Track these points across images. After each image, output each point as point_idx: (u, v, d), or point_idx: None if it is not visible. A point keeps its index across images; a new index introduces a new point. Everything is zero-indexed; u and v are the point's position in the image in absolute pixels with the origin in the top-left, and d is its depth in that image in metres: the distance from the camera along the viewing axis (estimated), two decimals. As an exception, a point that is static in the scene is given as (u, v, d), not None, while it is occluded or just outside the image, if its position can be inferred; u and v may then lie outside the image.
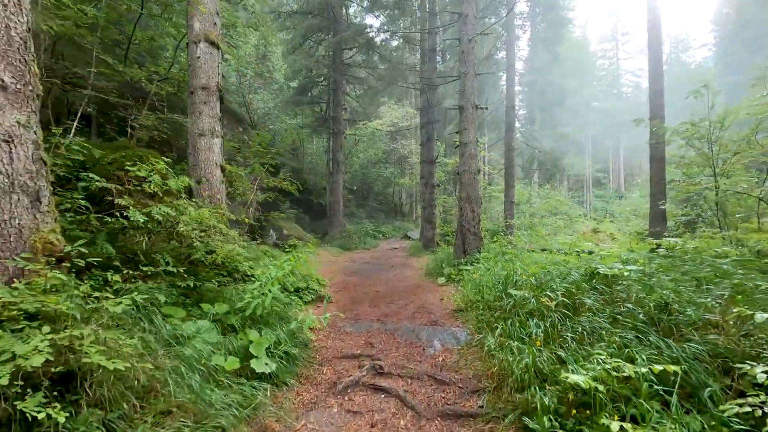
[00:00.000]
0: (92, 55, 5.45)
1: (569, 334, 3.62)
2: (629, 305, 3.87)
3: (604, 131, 42.10)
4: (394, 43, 18.87)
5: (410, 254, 14.76)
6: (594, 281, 4.61)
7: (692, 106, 8.65)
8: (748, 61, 37.52)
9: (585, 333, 3.62)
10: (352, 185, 25.90)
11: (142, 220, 3.80)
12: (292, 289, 5.85)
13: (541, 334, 3.78)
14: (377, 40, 17.07)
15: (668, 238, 6.47)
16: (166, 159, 4.76)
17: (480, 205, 8.60)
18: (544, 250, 13.53)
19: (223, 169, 6.23)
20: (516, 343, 3.74)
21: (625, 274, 4.35)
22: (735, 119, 7.93)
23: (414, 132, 29.39)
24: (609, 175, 46.16)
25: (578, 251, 11.27)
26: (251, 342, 3.70)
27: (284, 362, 3.82)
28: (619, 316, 3.76)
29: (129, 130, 6.04)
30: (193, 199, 5.23)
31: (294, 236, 15.05)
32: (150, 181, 4.27)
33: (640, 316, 3.62)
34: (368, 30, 17.56)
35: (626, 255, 6.01)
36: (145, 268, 3.73)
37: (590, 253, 12.01)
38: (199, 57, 6.08)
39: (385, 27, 18.09)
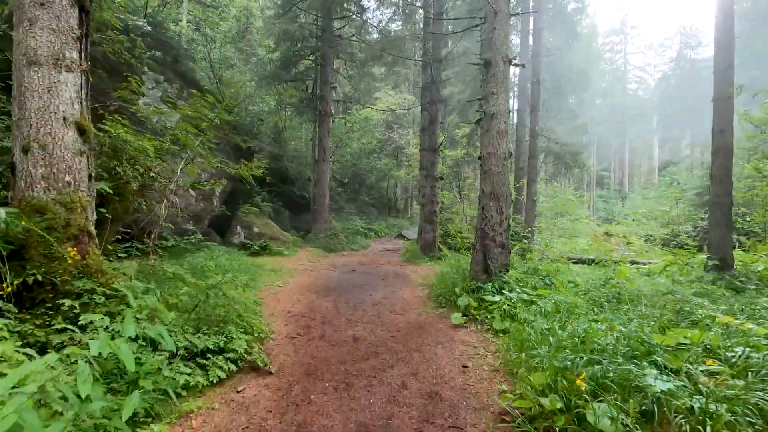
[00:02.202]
0: None
1: None
2: None
3: (609, 129, 39.62)
4: (389, 10, 16.01)
5: (406, 260, 12.05)
6: None
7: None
8: (764, 54, 35.16)
9: None
10: (342, 177, 23.06)
11: None
12: (195, 351, 3.11)
13: None
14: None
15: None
16: None
17: (510, 205, 5.90)
18: (577, 261, 10.94)
19: (81, 130, 3.42)
20: None
21: None
22: None
23: (411, 121, 26.60)
24: (612, 174, 43.77)
25: (617, 261, 8.66)
26: None
27: None
28: None
29: None
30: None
31: (267, 235, 12.28)
32: None
33: None
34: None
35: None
36: None
37: (635, 264, 9.31)
38: None
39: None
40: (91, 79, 3.62)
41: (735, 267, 8.43)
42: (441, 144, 11.81)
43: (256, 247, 11.54)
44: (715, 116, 9.15)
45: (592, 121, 37.57)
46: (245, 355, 3.26)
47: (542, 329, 3.63)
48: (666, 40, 44.54)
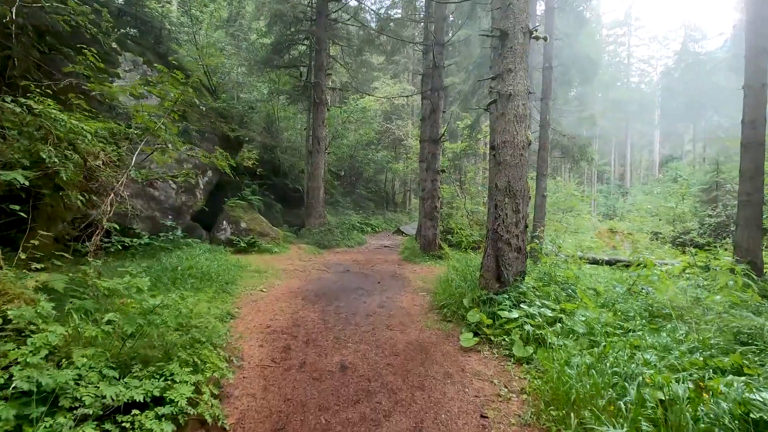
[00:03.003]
0: None
1: None
2: None
3: (611, 122, 38.67)
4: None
5: (405, 258, 11.19)
6: None
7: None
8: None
9: None
10: (338, 169, 22.10)
11: None
12: (117, 405, 2.24)
13: None
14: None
15: None
16: None
17: (528, 202, 5.01)
18: (593, 262, 10.10)
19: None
20: None
21: None
22: None
23: (410, 112, 25.59)
24: (612, 169, 42.93)
25: (639, 263, 7.84)
26: None
27: None
28: None
29: None
30: None
31: (255, 231, 11.37)
32: None
33: None
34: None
35: None
36: None
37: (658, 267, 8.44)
38: None
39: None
40: None
41: (765, 272, 7.62)
42: (443, 134, 10.89)
43: (243, 244, 10.65)
44: (745, 107, 8.23)
45: (595, 114, 36.65)
46: (189, 408, 2.38)
47: (585, 365, 2.76)
48: (670, 32, 43.51)
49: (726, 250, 14.71)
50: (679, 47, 40.40)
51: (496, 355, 3.77)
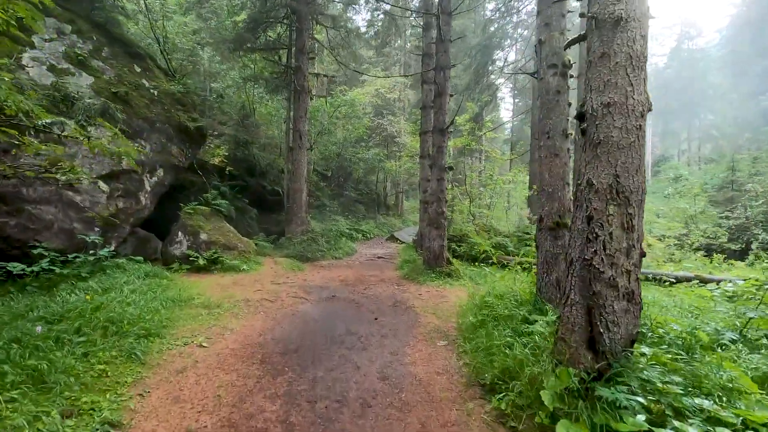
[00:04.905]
0: None
1: None
2: None
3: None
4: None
5: (405, 275, 8.98)
6: None
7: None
8: (761, 44, 33.05)
9: None
10: (325, 169, 19.79)
11: None
12: None
13: None
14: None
15: None
16: None
17: (643, 213, 2.84)
18: (654, 279, 8.00)
19: None
20: None
21: None
22: None
23: (402, 108, 23.42)
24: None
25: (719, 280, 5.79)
26: None
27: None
28: None
29: None
30: None
31: (219, 243, 9.01)
32: None
33: None
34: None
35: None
36: None
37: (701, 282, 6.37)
38: None
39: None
40: None
41: None
42: (451, 123, 8.73)
43: (202, 261, 8.30)
44: None
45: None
46: None
47: None
48: (665, 29, 42.33)
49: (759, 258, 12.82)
50: (674, 44, 39.16)
51: None
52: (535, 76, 4.53)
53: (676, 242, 14.42)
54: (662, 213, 22.58)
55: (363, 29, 17.59)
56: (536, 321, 3.71)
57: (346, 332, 4.90)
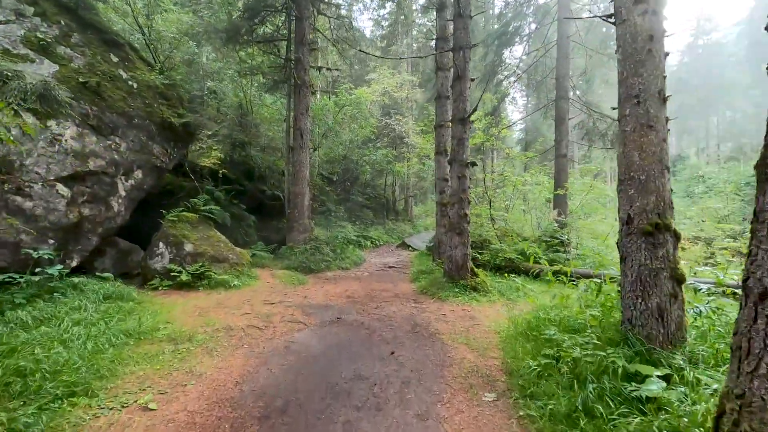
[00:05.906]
0: None
1: None
2: None
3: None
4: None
5: (422, 289, 7.62)
6: None
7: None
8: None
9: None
10: (331, 173, 18.55)
11: None
12: None
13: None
14: None
15: None
16: None
17: None
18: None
19: None
20: None
21: None
22: None
23: (410, 108, 22.17)
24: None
25: None
26: None
27: None
28: None
29: None
30: None
31: (207, 255, 7.74)
32: None
33: None
34: None
35: None
36: None
37: None
38: None
39: None
40: None
41: None
42: (474, 111, 7.42)
43: (185, 277, 7.04)
44: None
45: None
46: None
47: None
48: (681, 23, 40.67)
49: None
50: (690, 40, 37.55)
51: None
52: (611, 20, 3.21)
53: (724, 246, 12.84)
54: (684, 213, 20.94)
55: (369, 25, 16.48)
56: (649, 379, 2.35)
57: (354, 376, 3.57)
